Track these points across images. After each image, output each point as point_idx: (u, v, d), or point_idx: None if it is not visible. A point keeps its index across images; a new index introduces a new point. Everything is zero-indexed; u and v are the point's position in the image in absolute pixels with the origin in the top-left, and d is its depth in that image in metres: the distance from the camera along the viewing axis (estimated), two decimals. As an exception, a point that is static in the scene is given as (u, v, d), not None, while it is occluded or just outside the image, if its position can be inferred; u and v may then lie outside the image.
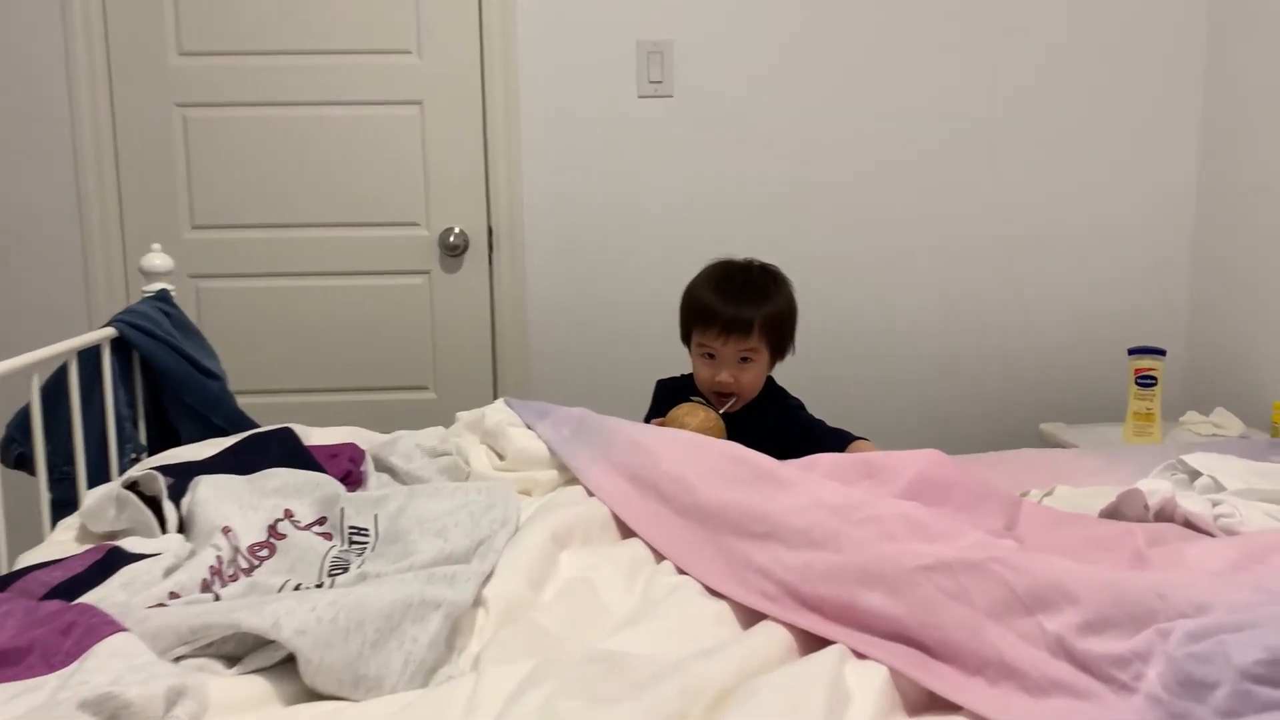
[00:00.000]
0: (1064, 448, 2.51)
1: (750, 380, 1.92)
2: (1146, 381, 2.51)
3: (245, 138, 2.74)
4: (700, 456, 1.38)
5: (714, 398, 1.93)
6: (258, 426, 1.86)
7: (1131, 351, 2.52)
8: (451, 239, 2.77)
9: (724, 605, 1.18)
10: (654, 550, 1.31)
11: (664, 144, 2.80)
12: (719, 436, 1.85)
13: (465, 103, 2.76)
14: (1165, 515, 1.37)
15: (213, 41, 2.71)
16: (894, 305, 2.87)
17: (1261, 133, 2.61)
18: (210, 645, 0.98)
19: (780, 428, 1.94)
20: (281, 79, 2.73)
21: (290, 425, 1.69)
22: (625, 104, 2.78)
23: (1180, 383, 2.84)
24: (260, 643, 0.99)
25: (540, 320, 2.84)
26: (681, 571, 1.25)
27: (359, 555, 1.32)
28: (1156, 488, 1.37)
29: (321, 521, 1.40)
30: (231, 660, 1.00)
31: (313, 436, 1.75)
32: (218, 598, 1.10)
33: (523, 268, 2.81)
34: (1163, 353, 2.51)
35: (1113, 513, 1.43)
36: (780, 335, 1.94)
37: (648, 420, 2.00)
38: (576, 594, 1.20)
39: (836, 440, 1.89)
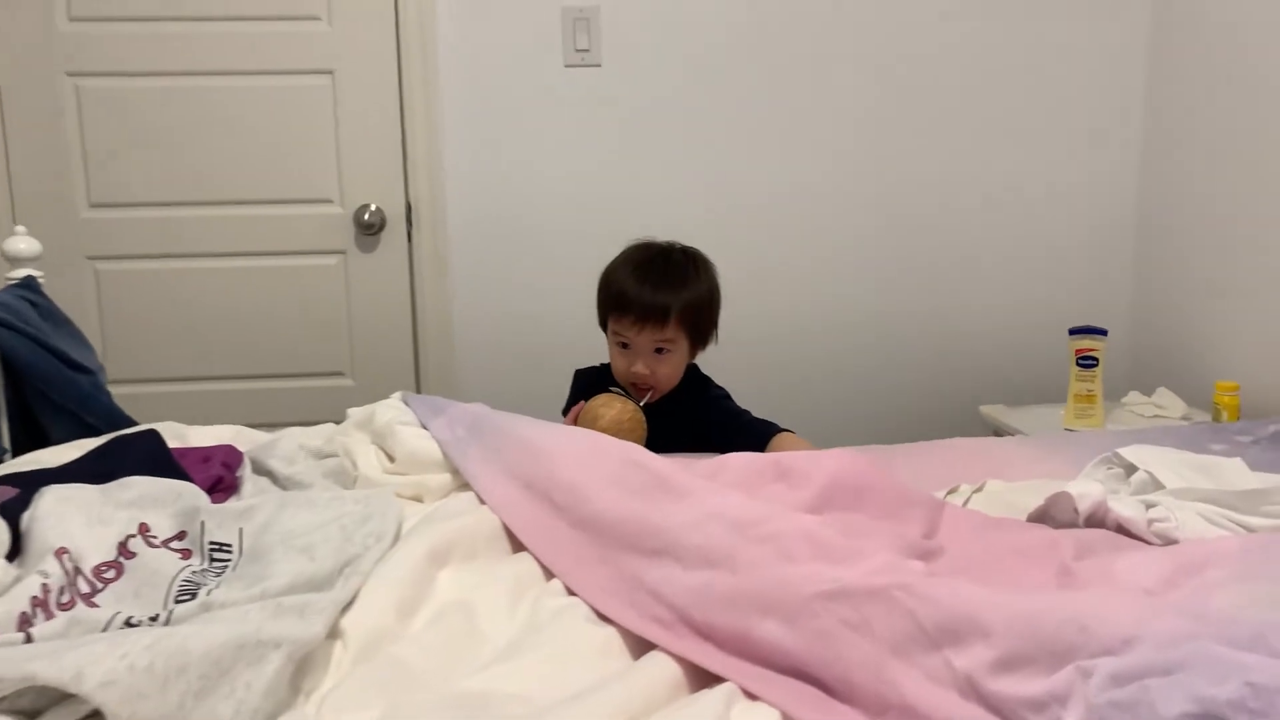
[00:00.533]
0: (1003, 432, 2.45)
1: (668, 372, 1.81)
2: (1087, 362, 2.44)
3: (144, 110, 2.57)
4: (598, 461, 1.26)
5: (632, 389, 1.82)
6: (136, 424, 1.72)
7: (1072, 332, 2.46)
8: (367, 216, 2.63)
9: (613, 632, 1.06)
10: (544, 567, 1.20)
11: (593, 115, 2.67)
12: (637, 431, 1.74)
13: (380, 72, 2.61)
14: (1096, 520, 1.27)
15: (107, 6, 2.53)
16: (827, 286, 2.78)
17: (1206, 107, 2.53)
18: (3, 700, 0.86)
19: (702, 420, 1.83)
20: (183, 47, 2.56)
21: (156, 427, 1.55)
22: (551, 73, 2.65)
23: (1123, 362, 2.78)
24: (63, 696, 0.86)
25: (465, 301, 2.71)
26: (571, 592, 1.14)
27: (218, 575, 1.19)
28: (1087, 490, 1.27)
29: (181, 536, 1.27)
30: (30, 716, 0.87)
31: (191, 437, 1.61)
32: (29, 638, 0.97)
33: (444, 246, 2.68)
34: (1104, 332, 2.44)
35: (1041, 516, 1.33)
36: (701, 324, 1.83)
37: (565, 413, 1.89)
38: (451, 621, 1.08)
39: (758, 434, 1.78)
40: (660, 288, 1.77)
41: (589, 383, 1.88)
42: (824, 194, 2.74)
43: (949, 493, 1.56)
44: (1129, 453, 1.49)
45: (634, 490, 1.20)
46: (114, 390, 2.66)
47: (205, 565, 1.24)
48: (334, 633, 1.04)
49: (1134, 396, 2.57)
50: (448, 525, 1.23)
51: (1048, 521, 1.32)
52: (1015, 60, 2.73)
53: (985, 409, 2.62)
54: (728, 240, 2.65)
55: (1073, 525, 1.28)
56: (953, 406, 2.79)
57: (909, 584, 0.95)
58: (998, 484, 1.62)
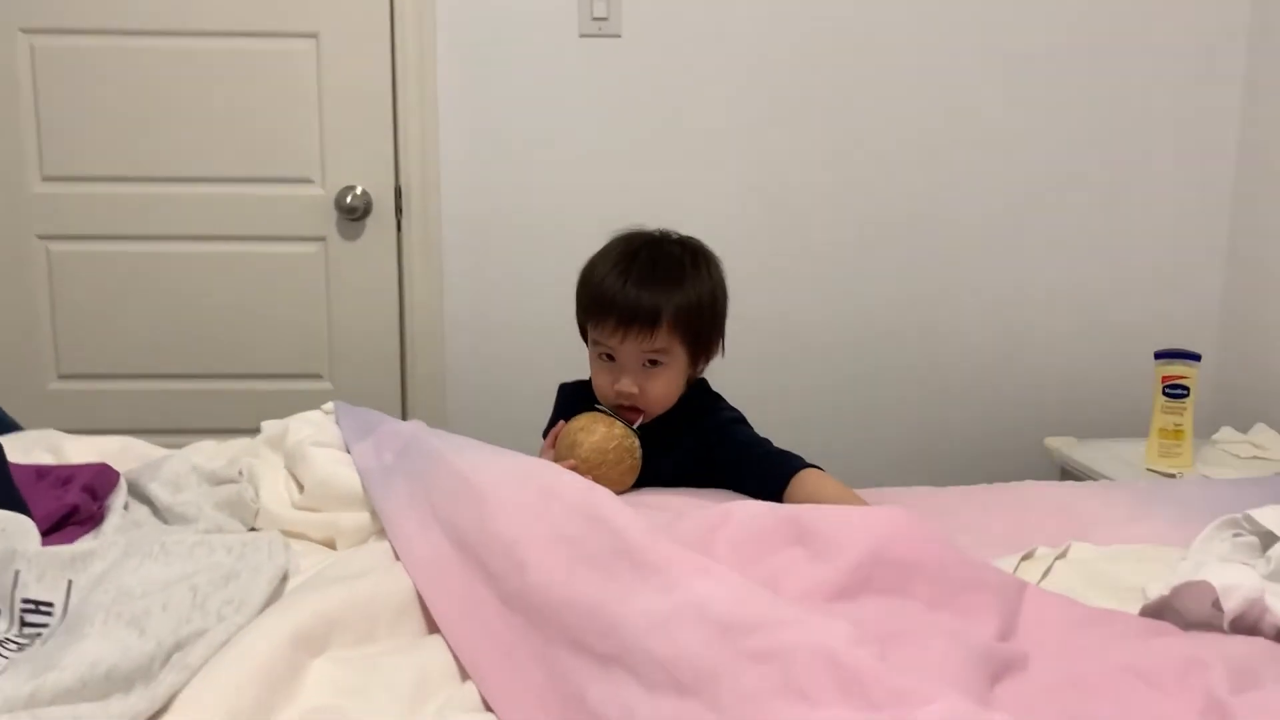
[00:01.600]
0: (1072, 470, 2.14)
1: (660, 391, 1.45)
2: (1176, 392, 2.11)
3: (106, 72, 2.30)
4: (543, 510, 0.92)
5: (618, 411, 1.47)
6: (18, 429, 1.41)
7: (1159, 355, 2.13)
8: (351, 200, 2.34)
9: (535, 776, 0.72)
10: (460, 662, 0.85)
11: (609, 92, 2.36)
12: (625, 461, 1.40)
13: (370, 36, 2.31)
14: (1248, 623, 0.91)
15: (64, -46, 2.25)
16: (868, 294, 2.43)
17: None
18: None
19: (710, 449, 1.48)
20: (150, 2, 2.28)
21: (32, 434, 1.23)
22: (564, 44, 2.34)
23: (1210, 395, 2.40)
24: None
25: (458, 298, 2.41)
26: (488, 707, 0.80)
27: (18, 648, 0.87)
28: (1235, 582, 0.90)
29: (-10, 590, 0.94)
30: None
31: (67, 449, 1.29)
32: None
33: (437, 236, 2.38)
34: (1197, 357, 2.11)
35: (1161, 610, 0.97)
36: (701, 331, 1.46)
37: (545, 436, 1.55)
38: (309, 743, 0.74)
39: (775, 470, 1.41)
40: (648, 285, 1.41)
41: (574, 399, 1.54)
42: (871, 190, 2.41)
43: (1023, 558, 1.21)
44: (1266, 516, 1.12)
45: (587, 556, 0.85)
46: (65, 388, 2.42)
47: (12, 630, 0.91)
48: (123, 763, 0.71)
49: (1226, 433, 2.24)
50: (336, 593, 0.89)
51: (1169, 617, 0.95)
52: (1097, 63, 2.39)
53: (1051, 442, 2.29)
54: (758, 235, 2.36)
55: (1209, 627, 0.92)
56: (1014, 437, 2.46)
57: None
58: (1085, 548, 1.26)
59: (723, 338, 1.50)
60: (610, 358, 1.43)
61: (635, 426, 1.43)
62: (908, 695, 0.65)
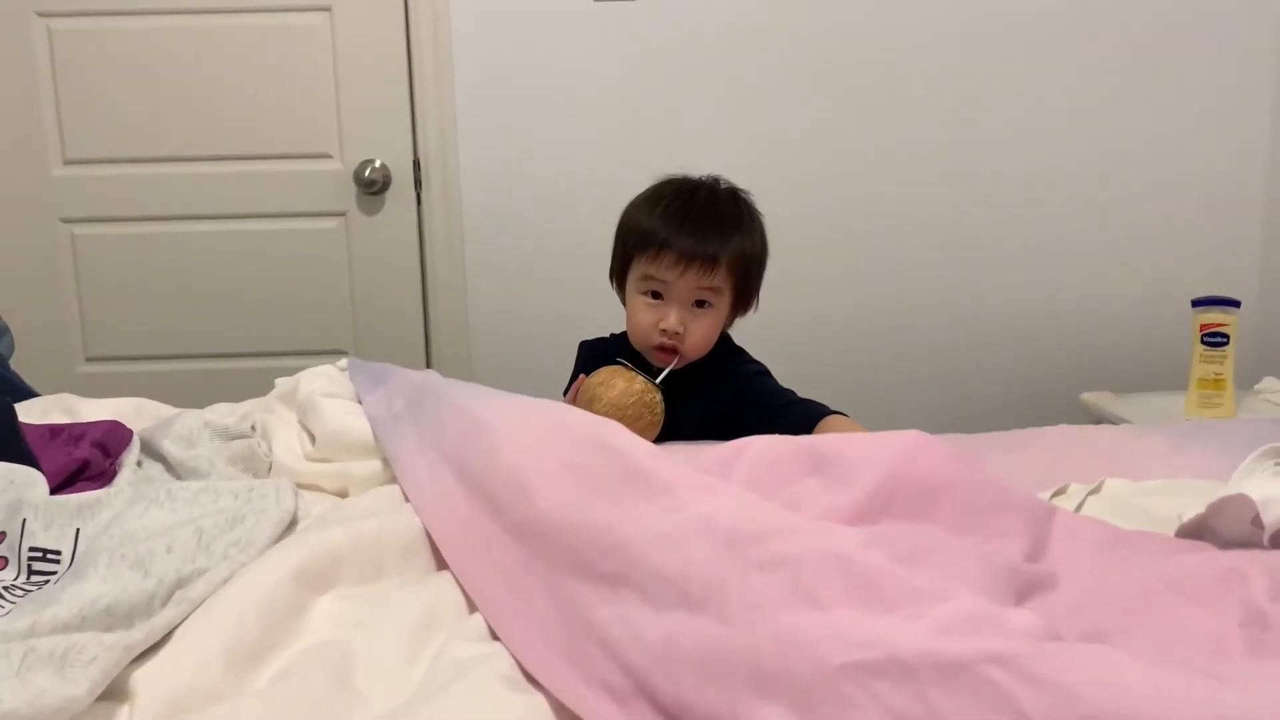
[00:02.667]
0: (1112, 424, 2.04)
1: (702, 333, 1.43)
2: (1216, 339, 2.05)
3: (123, 54, 2.30)
4: (551, 441, 0.89)
5: (654, 354, 1.45)
6: (34, 395, 1.40)
7: (1196, 303, 2.07)
8: (370, 173, 2.33)
9: (541, 702, 0.69)
10: (467, 595, 0.83)
11: (626, 58, 2.32)
12: (645, 415, 1.37)
13: (384, 8, 2.30)
14: (1287, 538, 0.86)
15: (78, -64, 2.25)
16: (895, 254, 2.39)
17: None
18: None
19: (733, 399, 1.45)
20: (162, -19, 2.27)
21: (50, 398, 1.22)
22: (579, 8, 2.31)
23: (1252, 344, 2.33)
24: None
25: (481, 269, 2.40)
26: (495, 636, 0.77)
27: (25, 593, 0.86)
28: (1273, 494, 0.87)
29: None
30: None
31: (82, 410, 1.29)
32: None
33: (458, 207, 2.37)
34: (1236, 304, 2.06)
35: (1198, 531, 0.92)
36: (749, 280, 1.46)
37: (565, 394, 1.52)
38: (312, 676, 0.72)
39: (802, 416, 1.39)
40: (711, 223, 1.41)
41: (595, 356, 1.51)
42: (904, 144, 2.36)
43: (1055, 494, 1.17)
44: (1310, 442, 1.07)
45: (594, 482, 0.82)
46: (92, 370, 2.43)
47: (20, 578, 0.90)
48: (120, 693, 0.69)
49: (1270, 383, 2.16)
50: (342, 531, 0.87)
51: (1207, 538, 0.91)
52: (1129, 16, 2.32)
53: (1087, 397, 2.24)
54: (782, 201, 2.30)
55: (1248, 545, 0.88)
56: (1047, 392, 2.40)
57: (1012, 654, 0.55)
58: (1120, 483, 1.22)
59: (759, 293, 1.50)
60: (657, 296, 1.41)
61: (662, 376, 1.40)
62: (923, 594, 0.62)
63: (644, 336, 1.45)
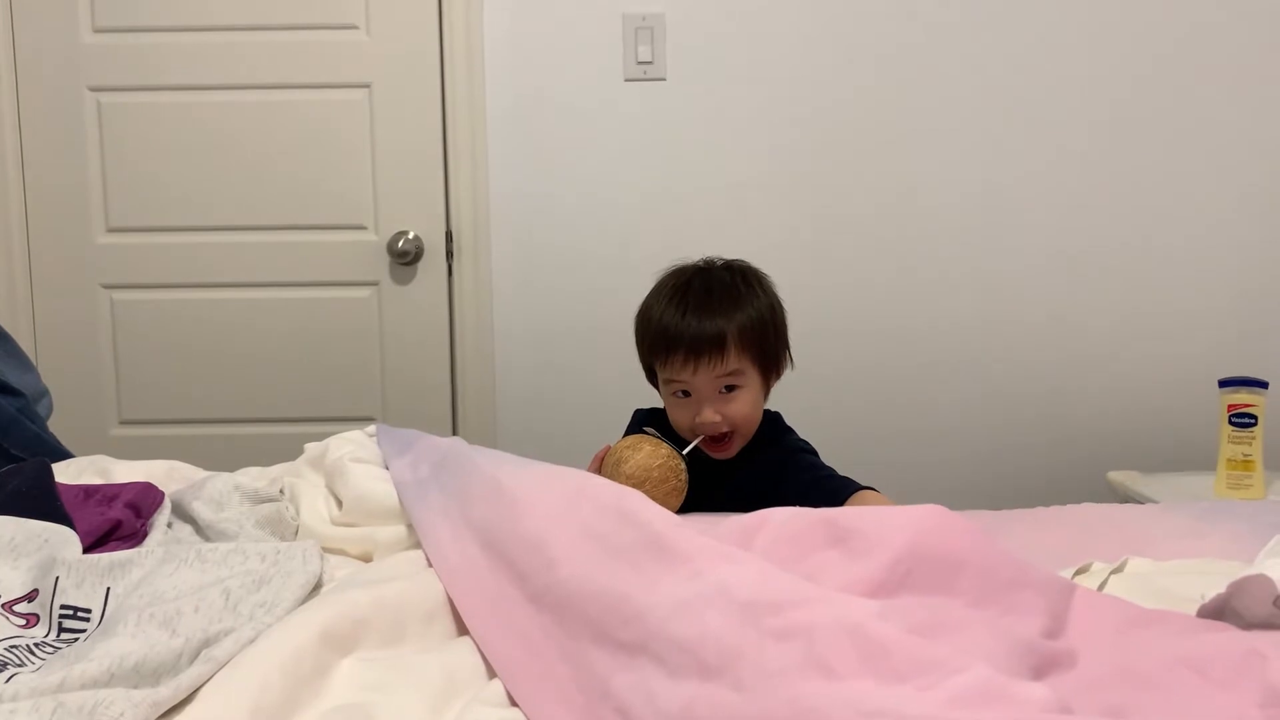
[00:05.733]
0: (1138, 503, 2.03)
1: (744, 412, 1.44)
2: (1244, 420, 2.05)
3: (167, 127, 2.38)
4: (574, 509, 0.91)
5: (706, 445, 1.46)
6: (69, 456, 1.43)
7: (1223, 384, 2.07)
8: (403, 245, 2.38)
9: (558, 768, 0.70)
10: (487, 660, 0.84)
11: (654, 136, 2.38)
12: (669, 481, 1.38)
13: (421, 86, 2.38)
14: (1309, 620, 0.86)
15: (131, 16, 2.36)
16: (925, 328, 2.40)
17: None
18: None
19: (780, 472, 1.46)
20: (209, 58, 2.37)
21: (86, 459, 1.25)
22: (609, 88, 2.38)
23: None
24: None
25: (508, 341, 2.43)
26: (514, 702, 0.78)
27: (61, 648, 0.88)
28: (1293, 575, 0.87)
29: (32, 597, 0.95)
30: None
31: (116, 472, 1.31)
32: None
33: (487, 279, 2.41)
34: (1264, 385, 2.03)
35: (1219, 611, 0.92)
36: (767, 347, 1.47)
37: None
38: (333, 736, 0.73)
39: (833, 490, 1.41)
40: (708, 312, 1.42)
41: (647, 423, 1.54)
42: (924, 225, 2.39)
43: (1077, 572, 1.17)
44: (1335, 525, 1.07)
45: (615, 551, 0.84)
46: (126, 433, 2.47)
47: (50, 635, 0.92)
48: (145, 751, 0.71)
49: (1300, 465, 2.13)
50: (366, 594, 0.88)
51: (1228, 619, 0.91)
52: (1160, 86, 2.35)
53: (1114, 476, 2.23)
54: (807, 273, 2.34)
55: (1269, 626, 0.87)
56: (1074, 472, 2.39)
57: (1024, 723, 0.56)
58: (1143, 562, 1.21)
59: (788, 349, 1.50)
60: (685, 394, 1.43)
61: (689, 449, 1.42)
62: (936, 666, 0.62)
63: (688, 433, 1.46)
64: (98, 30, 2.36)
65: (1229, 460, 2.04)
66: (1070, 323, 2.40)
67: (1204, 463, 2.13)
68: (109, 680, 0.75)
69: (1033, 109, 2.34)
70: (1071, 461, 2.41)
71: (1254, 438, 2.03)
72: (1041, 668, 0.75)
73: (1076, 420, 2.42)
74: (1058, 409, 2.42)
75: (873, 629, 0.66)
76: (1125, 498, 2.12)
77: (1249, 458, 2.02)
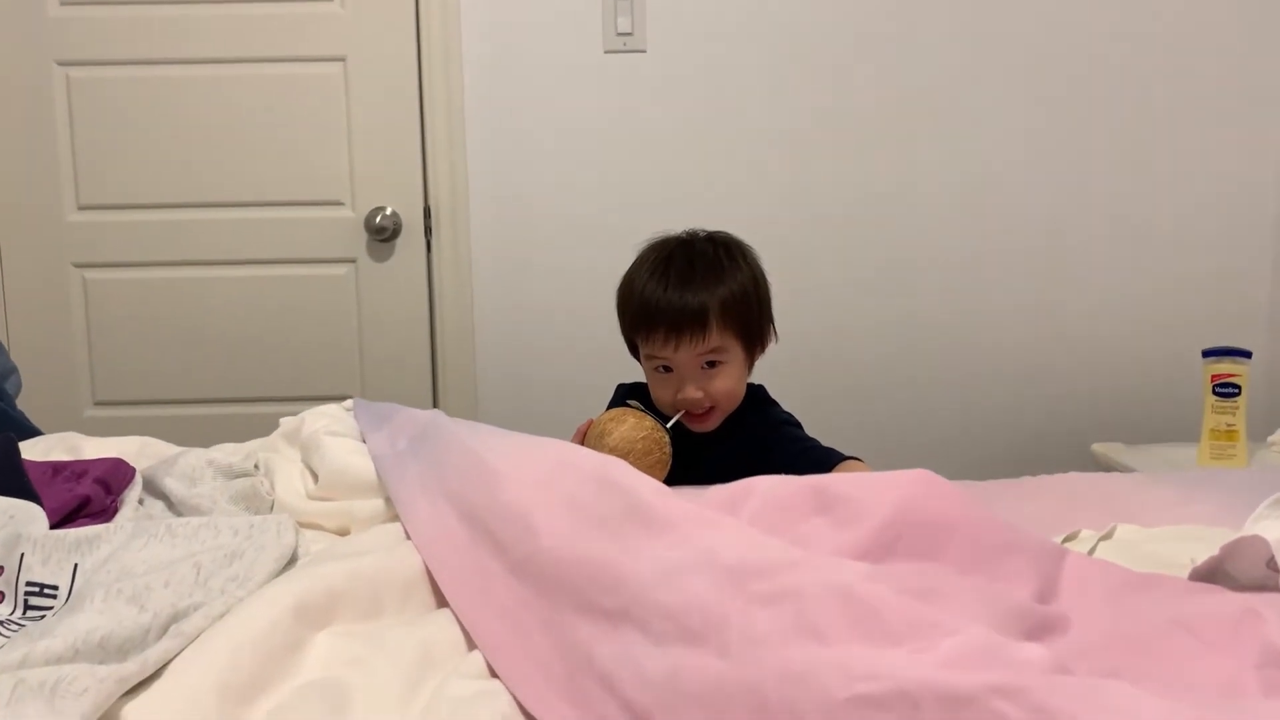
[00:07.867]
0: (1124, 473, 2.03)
1: (726, 387, 1.43)
2: (1227, 390, 2.04)
3: (138, 102, 2.34)
4: (555, 479, 0.89)
5: (688, 419, 1.44)
6: (39, 434, 1.40)
7: (1207, 354, 2.07)
8: (381, 221, 2.34)
9: (540, 741, 0.68)
10: (466, 633, 0.82)
11: (635, 108, 2.35)
12: (653, 453, 1.36)
13: (397, 59, 2.34)
14: (1302, 581, 0.85)
15: (100, -11, 2.29)
16: (911, 302, 2.39)
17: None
18: None
19: (762, 446, 1.45)
20: (181, 32, 2.32)
21: (56, 436, 1.22)
22: (589, 60, 2.35)
23: (1264, 395, 2.31)
24: None
25: (489, 316, 2.41)
26: (494, 674, 0.76)
27: (27, 625, 0.85)
28: (1287, 535, 0.85)
29: (-2, 574, 0.93)
30: None
31: (86, 449, 1.28)
32: None
33: (467, 255, 2.38)
34: (1247, 355, 2.03)
35: (1211, 574, 0.91)
36: (750, 321, 1.45)
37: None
38: (307, 712, 0.71)
39: (818, 460, 1.39)
40: (690, 286, 1.40)
41: (630, 398, 1.52)
42: (908, 196, 2.38)
43: (1066, 539, 1.15)
44: (1325, 489, 1.06)
45: (597, 520, 0.81)
46: (100, 414, 2.43)
47: (15, 613, 0.89)
48: (110, 728, 0.68)
49: (1282, 435, 2.13)
50: (341, 567, 0.86)
51: (1221, 582, 0.90)
52: (1141, 59, 2.34)
53: (1098, 447, 2.23)
54: (790, 252, 2.31)
55: (1263, 588, 0.86)
56: (1058, 444, 2.39)
57: (1020, 687, 0.54)
58: (1132, 529, 1.20)
59: (772, 322, 1.48)
60: (667, 369, 1.41)
61: (673, 422, 1.40)
62: (930, 628, 0.60)
63: (669, 409, 1.45)
64: (64, 3, 2.31)
65: (1212, 430, 2.03)
66: (1053, 296, 2.39)
67: (1187, 434, 2.13)
68: (73, 656, 0.73)
69: (1013, 87, 2.33)
70: (1056, 434, 2.41)
71: (1237, 408, 2.02)
72: (1034, 632, 0.73)
73: (1060, 392, 2.42)
74: (1041, 381, 2.42)
75: (863, 591, 0.64)
76: (1109, 469, 2.12)
77: (1232, 427, 2.02)
